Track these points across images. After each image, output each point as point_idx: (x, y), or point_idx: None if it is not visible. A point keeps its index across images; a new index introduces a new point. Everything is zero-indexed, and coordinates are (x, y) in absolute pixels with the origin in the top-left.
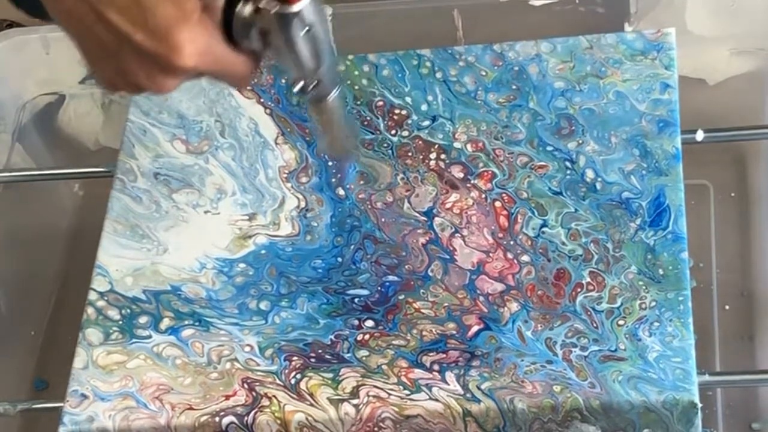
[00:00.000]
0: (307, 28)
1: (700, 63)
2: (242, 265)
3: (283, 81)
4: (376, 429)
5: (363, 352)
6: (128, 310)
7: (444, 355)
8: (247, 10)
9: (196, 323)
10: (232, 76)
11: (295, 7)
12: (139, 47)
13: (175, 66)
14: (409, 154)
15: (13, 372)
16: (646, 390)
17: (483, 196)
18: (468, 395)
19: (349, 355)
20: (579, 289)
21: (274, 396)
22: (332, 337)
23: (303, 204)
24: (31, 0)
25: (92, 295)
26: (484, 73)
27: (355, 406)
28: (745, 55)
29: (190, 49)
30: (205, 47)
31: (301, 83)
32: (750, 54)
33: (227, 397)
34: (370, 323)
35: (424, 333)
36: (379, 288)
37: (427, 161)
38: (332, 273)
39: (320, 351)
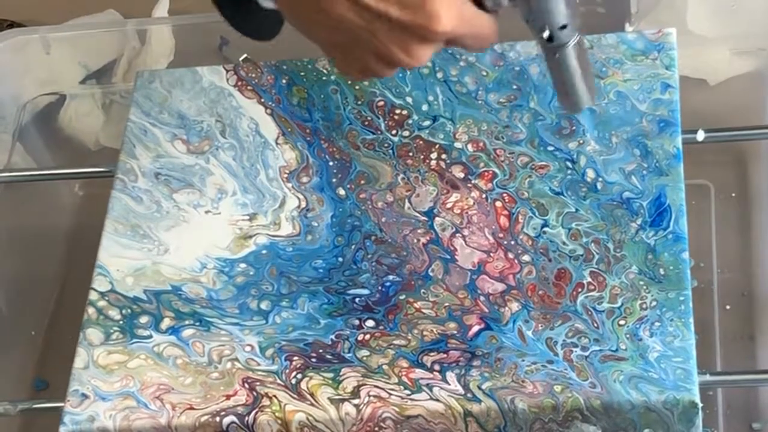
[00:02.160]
0: None
1: (701, 63)
2: (243, 265)
3: (541, 33)
4: (376, 429)
5: (364, 352)
6: (129, 310)
7: (445, 355)
8: None
9: (197, 323)
10: (479, 38)
11: None
12: (396, 21)
13: (434, 33)
14: (410, 154)
15: (13, 372)
16: (647, 390)
17: (484, 196)
18: (469, 395)
19: (349, 354)
20: (580, 289)
21: (275, 396)
22: (333, 336)
23: (304, 204)
24: (254, 22)
25: (93, 295)
26: (484, 73)
27: (356, 406)
28: (746, 55)
29: (447, 15)
30: (459, 11)
31: (548, 32)
32: (751, 54)
33: (228, 397)
34: (370, 323)
35: (424, 333)
36: (379, 288)
37: (427, 161)
38: (333, 273)
39: (321, 351)
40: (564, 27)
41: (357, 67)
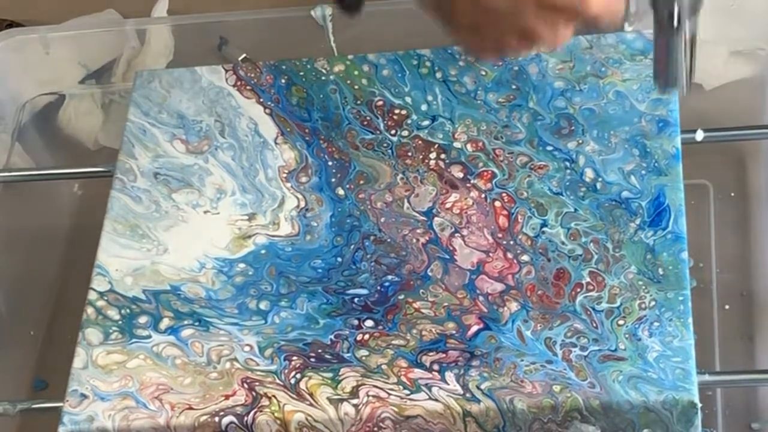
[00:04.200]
0: None
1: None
2: (242, 265)
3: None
4: (375, 429)
5: (363, 352)
6: (128, 310)
7: (444, 355)
8: None
9: (196, 323)
10: (615, 19)
11: None
12: (548, 2)
13: (584, 14)
14: (409, 153)
15: (12, 372)
16: (646, 390)
17: (483, 195)
18: (468, 395)
19: (348, 354)
20: (579, 289)
21: (274, 396)
22: (332, 336)
23: (303, 204)
24: None
25: (92, 295)
26: (483, 73)
27: (355, 406)
28: (743, 57)
29: None
30: None
31: (676, 10)
32: (748, 56)
33: (227, 397)
34: (369, 323)
35: (423, 333)
36: (378, 288)
37: (426, 161)
38: (332, 273)
39: (320, 351)
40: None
41: (494, 46)
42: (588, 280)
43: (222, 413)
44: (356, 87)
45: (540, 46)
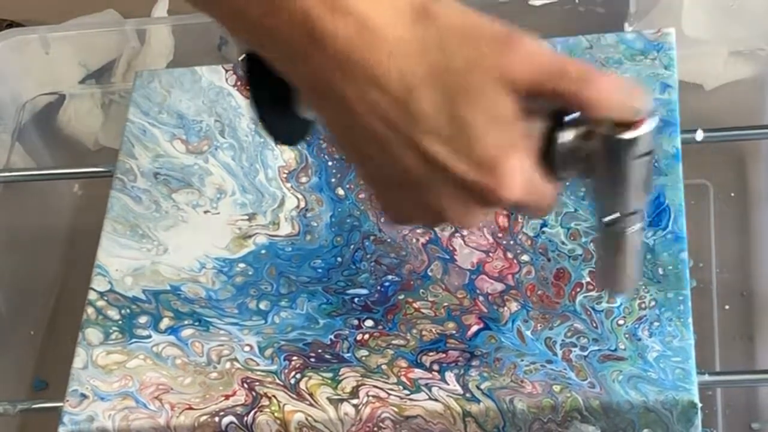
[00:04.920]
0: (644, 154)
1: (697, 67)
2: (242, 265)
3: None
4: (375, 429)
5: (363, 352)
6: (128, 310)
7: (444, 355)
8: (570, 135)
9: (196, 323)
10: (541, 208)
11: (642, 129)
12: (460, 179)
13: (499, 199)
14: None
15: (12, 372)
16: (646, 390)
17: None
18: (468, 395)
19: (348, 354)
20: (579, 289)
21: (274, 396)
22: (332, 336)
23: (303, 204)
24: (289, 130)
25: (92, 295)
26: None
27: (355, 406)
28: (743, 57)
29: (516, 182)
30: (527, 178)
31: (617, 215)
32: (748, 56)
33: (227, 397)
34: (369, 323)
35: (423, 333)
36: (378, 288)
37: None
38: (332, 273)
39: (320, 351)
40: (634, 213)
41: (400, 211)
42: (588, 280)
43: (222, 413)
44: None
45: (449, 223)
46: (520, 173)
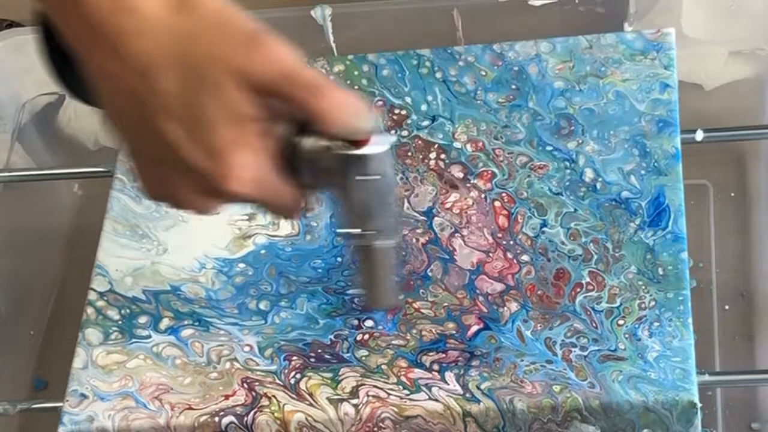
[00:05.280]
0: (373, 176)
1: (697, 67)
2: (242, 265)
3: (330, 218)
4: (375, 429)
5: (362, 352)
6: (128, 310)
7: (443, 355)
8: (309, 143)
9: (196, 323)
10: (280, 208)
11: (364, 150)
12: (192, 164)
13: (225, 190)
14: (409, 153)
15: (12, 372)
16: (646, 390)
17: (482, 195)
18: (467, 395)
19: (348, 354)
20: (578, 289)
21: (274, 396)
22: (332, 336)
23: (302, 204)
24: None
25: (92, 295)
26: (483, 73)
27: (355, 406)
28: (743, 57)
29: (244, 176)
30: (259, 175)
31: (357, 230)
32: (748, 56)
33: (227, 397)
34: (369, 323)
35: (423, 333)
36: None
37: (426, 161)
38: (332, 273)
39: (320, 351)
40: (378, 231)
41: (150, 186)
42: (588, 280)
43: (222, 413)
44: (356, 87)
45: (190, 209)
46: (249, 169)
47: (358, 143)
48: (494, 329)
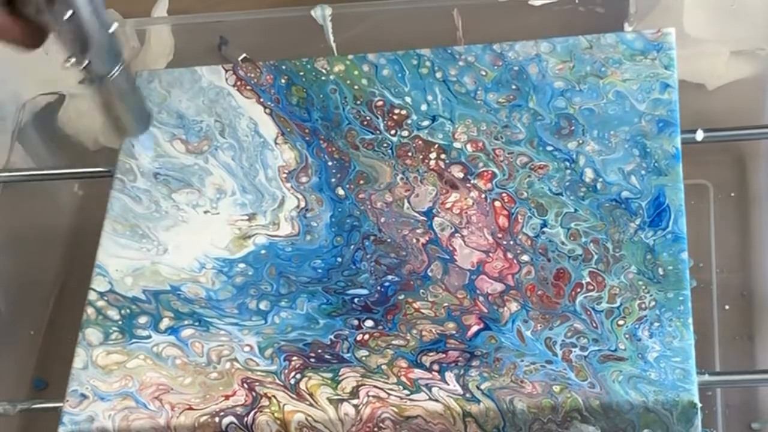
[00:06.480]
0: (70, 11)
1: (699, 67)
2: (242, 265)
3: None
4: (375, 429)
5: (363, 352)
6: (128, 310)
7: (444, 355)
8: None
9: (196, 323)
10: (12, 43)
11: None
12: None
13: None
14: (409, 153)
15: (12, 372)
16: (646, 390)
17: (483, 196)
18: (468, 395)
19: (348, 355)
20: (579, 289)
21: (274, 396)
22: (332, 337)
23: (303, 204)
24: None
25: (92, 295)
26: (483, 73)
27: (355, 406)
28: (744, 57)
29: None
30: None
31: (73, 60)
32: (749, 56)
33: (227, 397)
34: (369, 323)
35: (423, 333)
36: (378, 288)
37: (426, 161)
38: (332, 273)
39: (320, 351)
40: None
41: None
42: (588, 280)
43: (222, 413)
44: (356, 87)
45: None
46: None
47: None
48: (494, 329)
